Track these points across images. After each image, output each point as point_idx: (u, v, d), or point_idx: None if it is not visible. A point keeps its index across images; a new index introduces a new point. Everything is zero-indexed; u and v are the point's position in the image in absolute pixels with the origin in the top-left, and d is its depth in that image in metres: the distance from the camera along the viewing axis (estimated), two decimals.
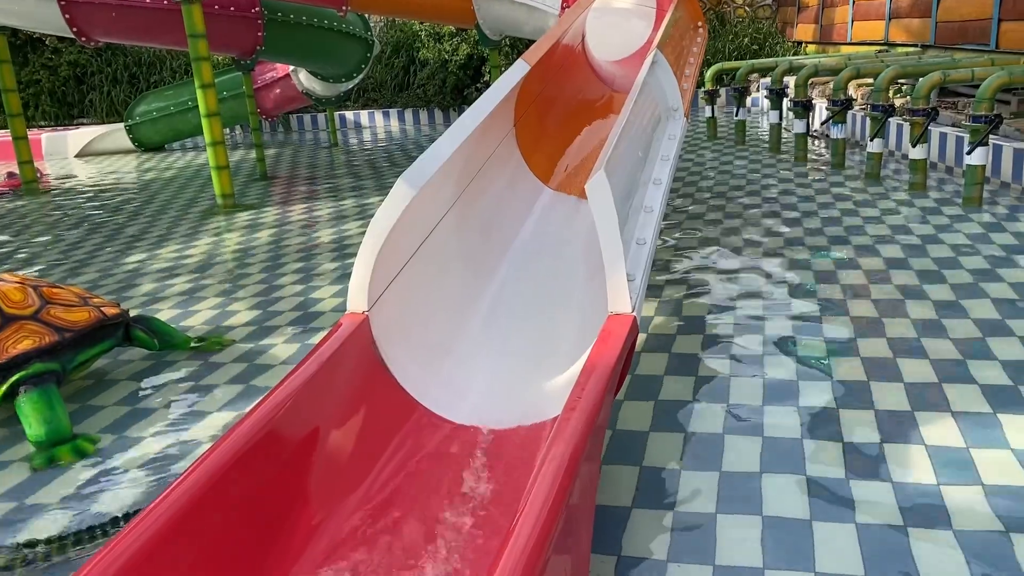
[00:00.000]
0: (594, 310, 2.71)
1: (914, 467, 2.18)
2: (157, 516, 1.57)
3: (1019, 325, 3.03)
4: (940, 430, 2.35)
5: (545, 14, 6.28)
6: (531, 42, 10.52)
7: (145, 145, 10.35)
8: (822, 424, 2.43)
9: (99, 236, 5.79)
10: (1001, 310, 3.19)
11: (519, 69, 3.44)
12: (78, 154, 10.40)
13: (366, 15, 8.74)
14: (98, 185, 8.08)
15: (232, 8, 7.20)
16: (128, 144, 10.35)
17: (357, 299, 2.27)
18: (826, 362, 2.82)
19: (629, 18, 6.13)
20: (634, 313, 2.15)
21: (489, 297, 2.86)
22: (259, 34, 7.40)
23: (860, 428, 2.39)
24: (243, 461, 1.75)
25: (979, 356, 2.80)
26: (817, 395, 2.60)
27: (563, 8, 6.03)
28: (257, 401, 1.87)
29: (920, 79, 5.28)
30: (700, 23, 5.38)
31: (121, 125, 10.39)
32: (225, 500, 1.69)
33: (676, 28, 4.40)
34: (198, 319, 3.82)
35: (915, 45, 7.75)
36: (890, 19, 8.38)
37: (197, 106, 9.84)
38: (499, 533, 1.90)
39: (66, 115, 12.05)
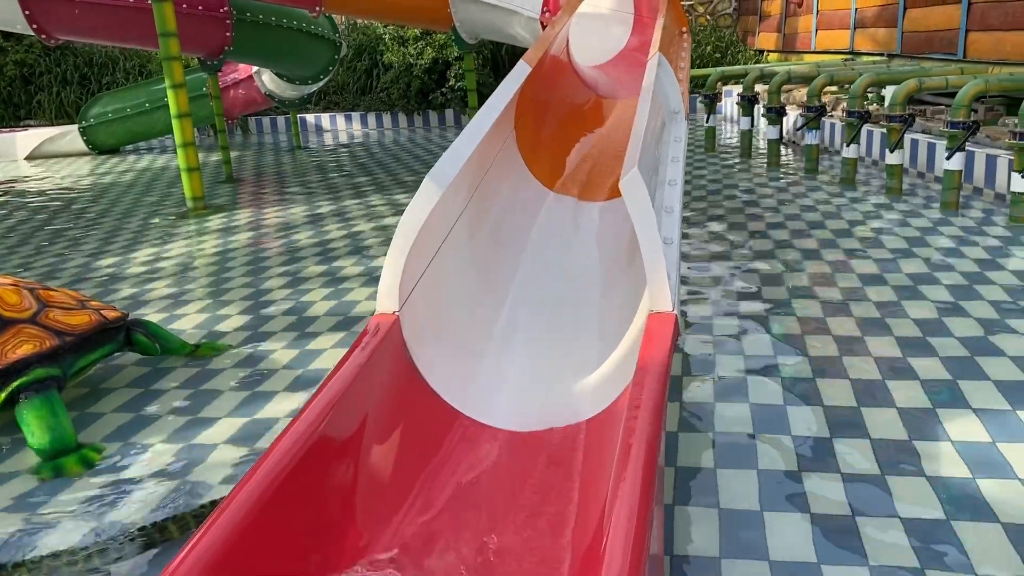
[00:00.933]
0: (614, 309, 2.70)
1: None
2: (202, 550, 1.46)
3: (1018, 323, 3.10)
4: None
5: (523, 18, 6.26)
6: (500, 46, 10.55)
7: (100, 148, 10.06)
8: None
9: (65, 240, 5.59)
10: (999, 310, 3.26)
11: (522, 70, 3.42)
12: (28, 156, 10.06)
13: (334, 17, 8.63)
14: (55, 188, 7.82)
15: (200, 7, 7.04)
16: (82, 147, 10.04)
17: (388, 299, 2.22)
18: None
19: (607, 23, 6.15)
20: (674, 311, 2.13)
21: (507, 299, 2.82)
22: (227, 34, 7.25)
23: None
24: (286, 483, 1.66)
25: (986, 353, 2.86)
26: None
27: (544, 11, 6.01)
28: (296, 414, 1.80)
29: (896, 86, 5.39)
30: (684, 28, 5.42)
31: (74, 127, 10.07)
32: (273, 524, 1.61)
33: (666, 33, 4.42)
34: (186, 324, 3.70)
35: (881, 54, 7.93)
36: (855, 28, 8.56)
37: (155, 108, 9.72)
38: (550, 542, 1.86)
39: (12, 116, 11.65)
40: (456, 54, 10.42)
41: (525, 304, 2.85)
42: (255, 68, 9.13)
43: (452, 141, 2.56)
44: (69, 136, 10.05)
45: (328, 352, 3.27)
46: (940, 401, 2.56)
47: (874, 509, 2.04)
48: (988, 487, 2.10)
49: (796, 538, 1.95)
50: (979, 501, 2.04)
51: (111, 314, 2.87)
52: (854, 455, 2.28)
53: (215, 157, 9.14)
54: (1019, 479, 2.13)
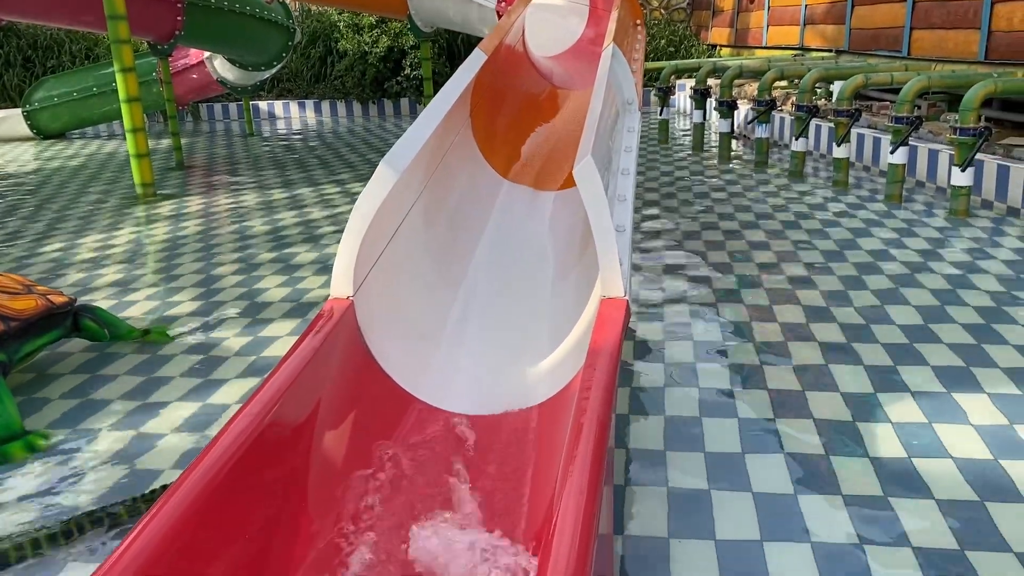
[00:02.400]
0: (566, 297, 2.73)
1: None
2: (150, 534, 1.45)
3: (957, 312, 3.21)
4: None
5: (479, 6, 6.26)
6: (456, 35, 10.52)
7: (45, 133, 9.82)
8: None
9: (9, 225, 5.46)
10: (940, 297, 3.37)
11: (478, 58, 3.43)
12: None
13: (288, 3, 8.53)
14: None
15: None
16: (25, 131, 9.79)
17: (342, 284, 2.22)
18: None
19: (563, 14, 6.18)
20: (626, 297, 2.17)
21: (462, 286, 2.84)
22: (178, 18, 7.13)
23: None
24: (237, 467, 1.65)
25: (940, 320, 2.96)
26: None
27: (500, 1, 6.02)
28: (247, 398, 1.79)
29: (844, 82, 5.52)
30: (639, 21, 5.47)
31: (17, 111, 9.82)
32: (223, 508, 1.60)
33: (620, 24, 4.46)
34: (136, 310, 3.65)
35: (829, 51, 8.09)
36: (805, 24, 8.72)
37: (102, 92, 9.51)
38: (503, 522, 1.89)
39: None
40: (412, 43, 10.37)
41: (480, 290, 2.87)
42: (207, 53, 8.98)
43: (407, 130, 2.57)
44: (12, 120, 9.79)
45: (282, 339, 3.25)
46: (881, 385, 2.65)
47: (817, 487, 2.11)
48: (923, 465, 2.18)
49: (742, 518, 2.00)
50: (914, 477, 2.12)
51: (58, 299, 2.82)
52: (798, 436, 2.35)
53: (165, 143, 9.00)
54: (951, 457, 2.22)
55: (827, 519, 1.98)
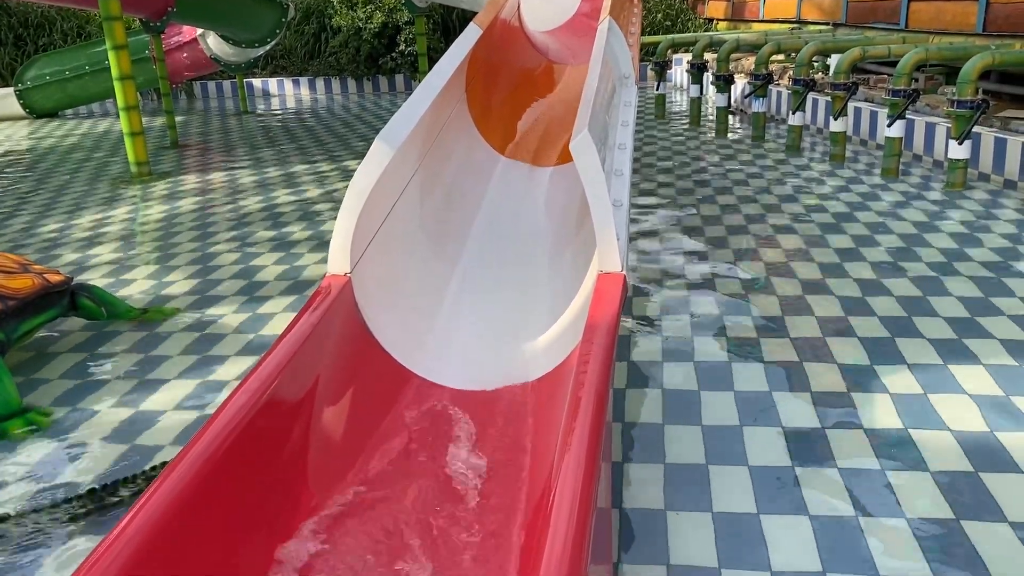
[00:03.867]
0: (564, 272, 2.73)
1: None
2: (150, 511, 1.46)
3: (954, 284, 3.22)
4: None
5: None
6: (451, 10, 10.42)
7: (38, 112, 9.76)
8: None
9: (4, 204, 5.43)
10: (937, 270, 3.38)
11: (473, 33, 3.41)
12: None
13: None
14: None
15: None
16: (18, 110, 9.73)
17: (339, 260, 2.22)
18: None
19: None
20: (623, 272, 2.17)
21: (459, 262, 2.84)
22: None
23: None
24: (236, 443, 1.66)
25: (935, 292, 2.97)
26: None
27: None
28: (246, 374, 1.80)
29: (840, 55, 5.49)
30: None
31: (10, 90, 9.74)
32: (222, 484, 1.61)
33: None
34: (133, 289, 3.64)
35: (827, 23, 8.04)
36: None
37: (95, 71, 9.43)
38: (502, 496, 1.90)
39: None
40: (406, 18, 10.29)
41: (477, 266, 2.86)
42: (200, 30, 8.90)
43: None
44: (5, 99, 9.72)
45: (279, 316, 3.26)
46: (878, 357, 2.66)
47: (812, 460, 2.12)
48: (919, 436, 2.19)
49: (738, 491, 2.02)
50: (910, 448, 2.14)
51: (55, 278, 2.82)
52: (796, 408, 2.36)
53: (159, 122, 8.94)
54: (948, 429, 2.23)
55: (823, 490, 1.99)
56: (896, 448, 2.15)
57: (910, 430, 2.23)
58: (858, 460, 2.11)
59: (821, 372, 2.57)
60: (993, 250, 3.60)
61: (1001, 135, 4.73)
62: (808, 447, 2.18)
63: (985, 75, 5.45)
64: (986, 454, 2.11)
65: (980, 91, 4.56)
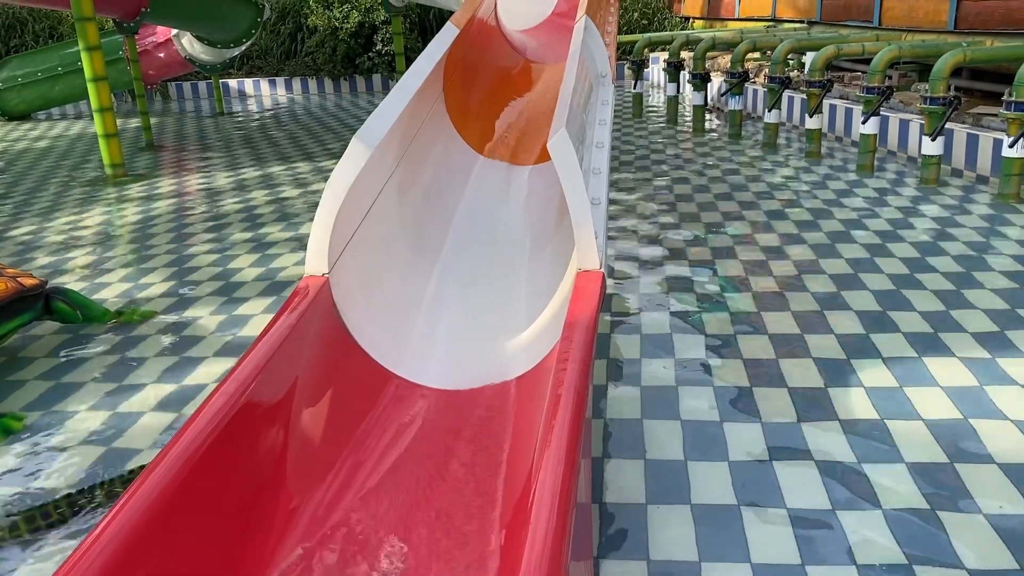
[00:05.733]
0: (543, 270, 2.74)
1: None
2: (128, 515, 1.44)
3: (928, 279, 3.26)
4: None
5: None
6: (428, 9, 10.41)
7: (9, 113, 9.64)
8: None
9: None
10: (911, 265, 3.41)
11: (450, 32, 3.40)
12: None
13: None
14: None
15: None
16: None
17: (317, 260, 2.20)
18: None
19: None
20: (601, 269, 2.18)
21: (438, 261, 2.84)
22: None
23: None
24: (214, 446, 1.65)
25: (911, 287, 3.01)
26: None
27: None
28: (224, 377, 1.79)
29: (815, 53, 5.53)
30: None
31: None
32: (201, 487, 1.60)
33: None
34: (110, 292, 3.61)
35: (802, 21, 8.10)
36: None
37: (67, 72, 9.33)
38: (483, 493, 1.90)
39: None
40: (383, 18, 10.26)
41: (457, 265, 2.86)
42: (174, 31, 8.83)
43: None
44: None
45: (257, 317, 3.24)
46: (854, 351, 2.68)
47: (790, 451, 2.14)
48: (895, 427, 2.22)
49: (717, 484, 2.03)
50: (886, 440, 2.16)
51: (29, 281, 2.79)
52: (772, 403, 2.38)
53: (134, 123, 8.86)
54: (923, 420, 2.26)
55: (800, 483, 2.01)
56: (871, 440, 2.17)
57: (886, 421, 2.26)
58: (835, 452, 2.13)
59: (797, 367, 2.60)
60: (967, 244, 3.65)
61: (973, 131, 4.79)
62: (786, 440, 2.20)
63: (957, 72, 5.52)
64: (960, 444, 2.13)
65: (952, 88, 4.62)
